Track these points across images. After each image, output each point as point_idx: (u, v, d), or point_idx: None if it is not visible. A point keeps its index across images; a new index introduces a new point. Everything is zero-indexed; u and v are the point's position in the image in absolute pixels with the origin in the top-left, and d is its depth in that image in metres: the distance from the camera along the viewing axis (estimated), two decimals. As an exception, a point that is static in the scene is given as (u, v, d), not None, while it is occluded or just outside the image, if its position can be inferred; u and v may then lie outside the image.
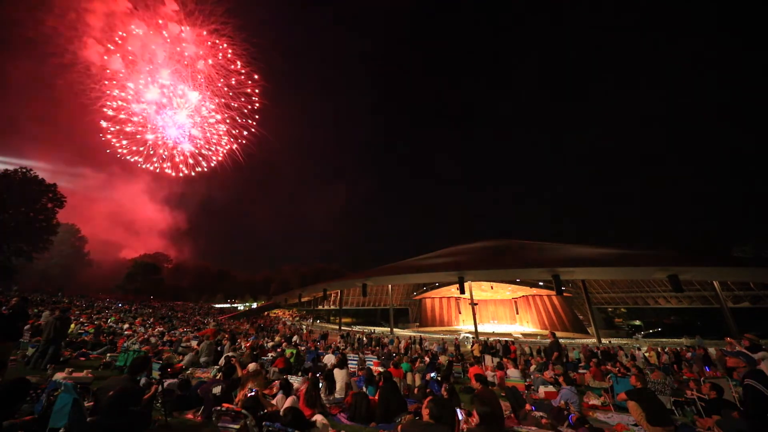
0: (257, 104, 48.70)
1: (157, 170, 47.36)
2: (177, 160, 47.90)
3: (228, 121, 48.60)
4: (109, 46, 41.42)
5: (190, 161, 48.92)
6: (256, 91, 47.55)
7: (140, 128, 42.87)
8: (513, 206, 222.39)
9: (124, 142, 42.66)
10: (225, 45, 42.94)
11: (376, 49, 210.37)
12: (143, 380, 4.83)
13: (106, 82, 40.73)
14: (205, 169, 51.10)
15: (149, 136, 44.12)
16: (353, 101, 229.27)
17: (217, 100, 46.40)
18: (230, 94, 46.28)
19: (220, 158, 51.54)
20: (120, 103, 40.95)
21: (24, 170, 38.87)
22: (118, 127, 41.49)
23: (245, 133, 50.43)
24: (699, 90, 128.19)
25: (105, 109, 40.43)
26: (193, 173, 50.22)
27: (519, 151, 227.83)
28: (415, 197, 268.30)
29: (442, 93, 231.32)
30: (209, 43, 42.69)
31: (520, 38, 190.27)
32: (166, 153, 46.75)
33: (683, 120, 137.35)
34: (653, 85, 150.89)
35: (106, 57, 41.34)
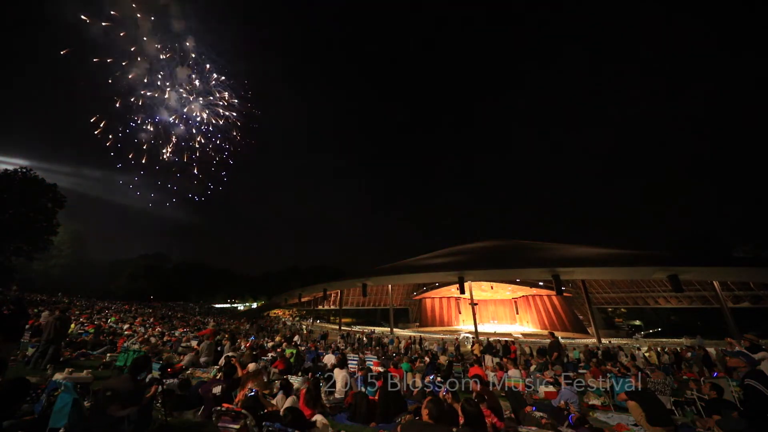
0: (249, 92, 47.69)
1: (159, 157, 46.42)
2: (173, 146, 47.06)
3: (225, 105, 47.62)
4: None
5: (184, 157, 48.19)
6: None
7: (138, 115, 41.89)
8: (513, 206, 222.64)
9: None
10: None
11: (379, 49, 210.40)
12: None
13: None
14: (199, 160, 50.27)
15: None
16: (355, 100, 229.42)
17: (209, 82, 45.27)
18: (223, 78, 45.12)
19: (218, 142, 50.39)
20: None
21: (24, 170, 38.77)
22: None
23: (239, 123, 49.57)
24: (699, 90, 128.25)
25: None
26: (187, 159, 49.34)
27: (519, 151, 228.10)
28: (415, 198, 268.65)
29: (442, 93, 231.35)
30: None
31: (523, 39, 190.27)
32: (162, 140, 46.01)
33: (683, 120, 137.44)
34: (653, 85, 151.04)
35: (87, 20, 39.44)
